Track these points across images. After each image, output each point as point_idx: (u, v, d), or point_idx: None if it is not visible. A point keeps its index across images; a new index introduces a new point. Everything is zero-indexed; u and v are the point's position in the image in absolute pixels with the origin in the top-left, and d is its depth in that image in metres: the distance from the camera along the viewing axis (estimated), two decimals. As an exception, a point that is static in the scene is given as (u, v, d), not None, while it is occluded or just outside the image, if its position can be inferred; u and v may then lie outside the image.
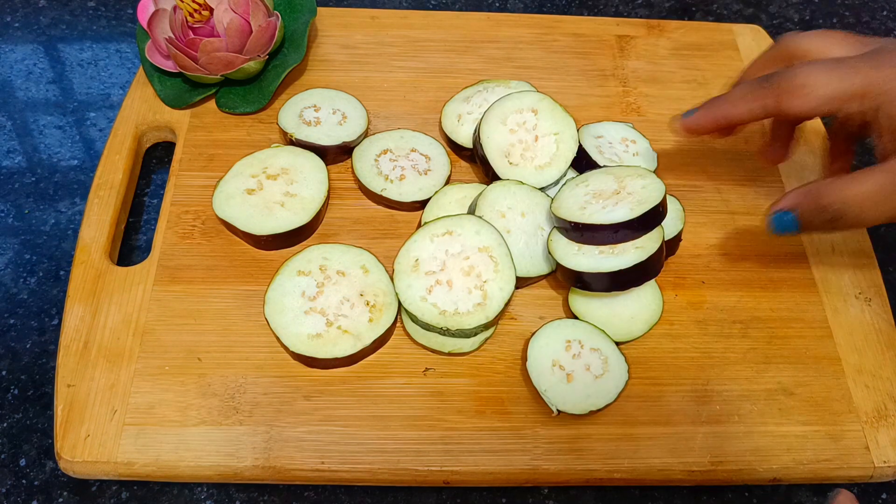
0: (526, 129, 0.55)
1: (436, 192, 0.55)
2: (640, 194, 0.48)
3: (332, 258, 0.51)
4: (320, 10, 0.66)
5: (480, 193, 0.52)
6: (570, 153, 0.54)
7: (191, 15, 0.56)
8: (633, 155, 0.57)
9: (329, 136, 0.57)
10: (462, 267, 0.49)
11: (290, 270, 0.50)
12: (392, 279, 0.49)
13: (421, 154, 0.57)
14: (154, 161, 0.61)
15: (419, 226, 0.54)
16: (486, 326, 0.48)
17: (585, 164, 0.55)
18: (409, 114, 0.61)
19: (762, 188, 0.59)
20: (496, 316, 0.47)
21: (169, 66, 0.60)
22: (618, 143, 0.58)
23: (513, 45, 0.66)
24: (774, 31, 0.73)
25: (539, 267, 0.51)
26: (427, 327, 0.48)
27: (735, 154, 0.61)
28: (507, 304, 0.48)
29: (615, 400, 0.47)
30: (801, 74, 0.43)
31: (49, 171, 0.60)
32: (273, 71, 0.61)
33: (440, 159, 0.57)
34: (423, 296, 0.48)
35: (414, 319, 0.48)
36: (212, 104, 0.60)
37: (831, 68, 0.43)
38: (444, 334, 0.48)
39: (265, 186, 0.54)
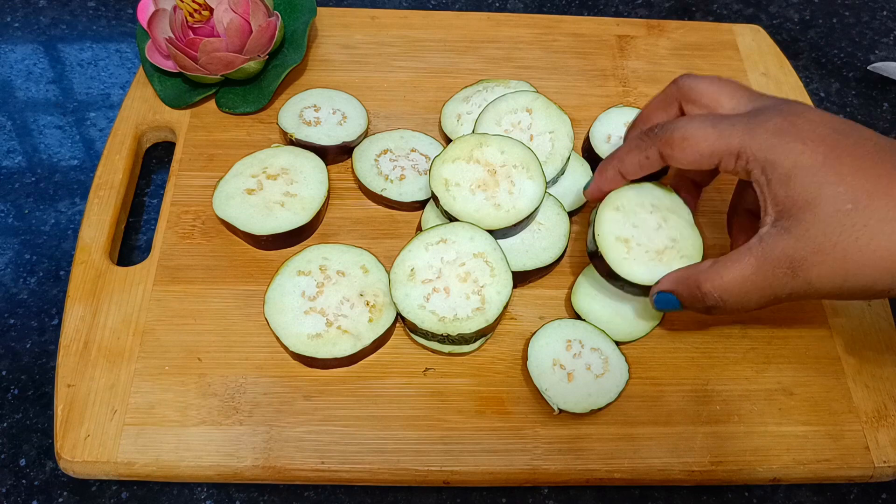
0: (521, 129, 0.55)
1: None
2: (684, 246, 0.48)
3: (332, 258, 0.51)
4: (320, 10, 0.66)
5: None
6: (566, 151, 0.54)
7: (191, 15, 0.56)
8: None
9: (329, 136, 0.57)
10: (458, 273, 0.49)
11: (290, 270, 0.50)
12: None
13: (421, 154, 0.57)
14: (154, 161, 0.61)
15: (419, 226, 0.54)
16: (486, 330, 0.48)
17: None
18: (409, 114, 0.61)
19: (762, 188, 0.59)
20: (496, 319, 0.47)
21: (169, 66, 0.60)
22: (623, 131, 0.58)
23: (513, 45, 0.66)
24: (774, 31, 0.73)
25: (536, 260, 0.51)
26: (428, 336, 0.48)
27: (735, 154, 0.60)
28: (505, 307, 0.48)
29: (616, 399, 0.47)
30: (681, 128, 0.43)
31: (49, 171, 0.60)
32: (273, 71, 0.61)
33: (440, 159, 0.57)
34: (421, 304, 0.48)
35: (414, 329, 0.48)
36: (212, 104, 0.60)
37: (711, 124, 0.42)
38: (445, 342, 0.48)
39: (265, 186, 0.54)
